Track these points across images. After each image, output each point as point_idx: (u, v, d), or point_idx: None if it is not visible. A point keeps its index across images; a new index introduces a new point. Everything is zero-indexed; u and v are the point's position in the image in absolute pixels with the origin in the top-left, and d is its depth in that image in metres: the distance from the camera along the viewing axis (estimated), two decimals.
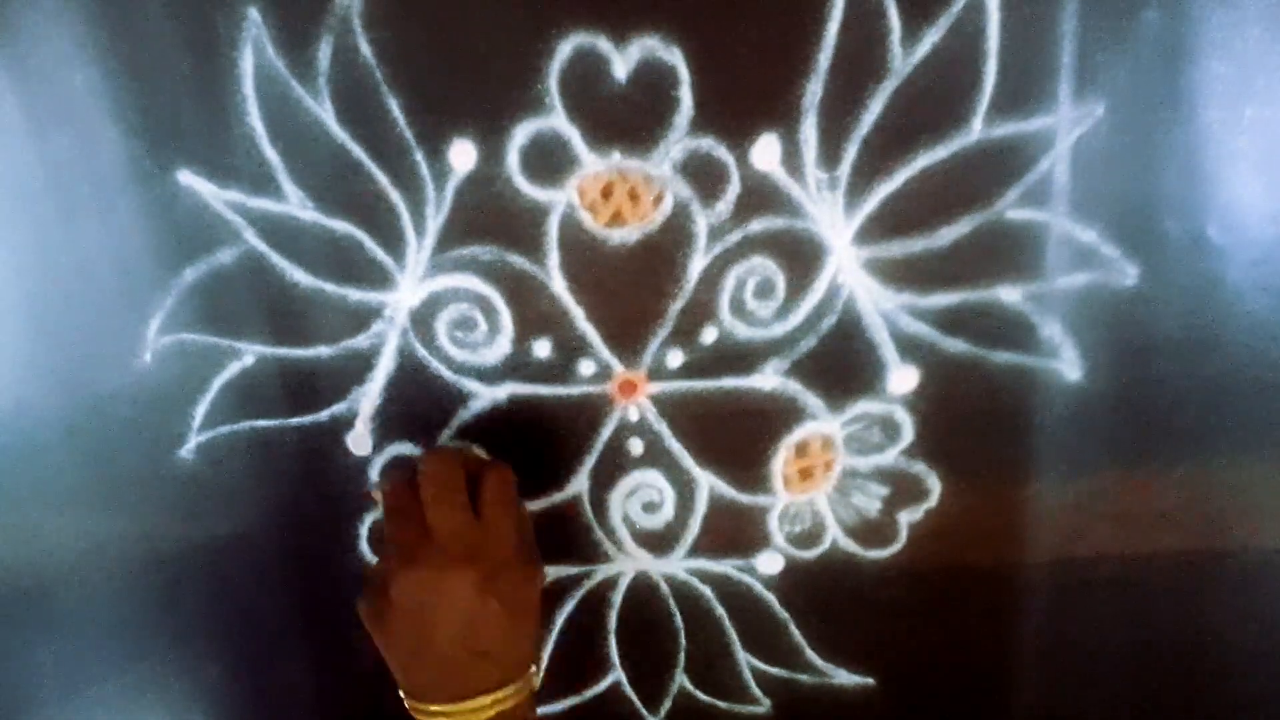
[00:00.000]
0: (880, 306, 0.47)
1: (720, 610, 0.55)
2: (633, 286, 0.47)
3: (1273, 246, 0.45)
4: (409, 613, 0.42)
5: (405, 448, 0.51)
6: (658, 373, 0.49)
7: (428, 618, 0.42)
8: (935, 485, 0.51)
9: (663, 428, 0.51)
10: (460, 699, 0.42)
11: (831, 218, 0.46)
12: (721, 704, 0.57)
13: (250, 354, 0.49)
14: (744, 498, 0.52)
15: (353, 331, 0.48)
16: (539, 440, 0.51)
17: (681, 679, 0.57)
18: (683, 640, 0.56)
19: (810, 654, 0.55)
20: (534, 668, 0.45)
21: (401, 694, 0.45)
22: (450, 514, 0.42)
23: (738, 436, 0.51)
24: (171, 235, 0.46)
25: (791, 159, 0.44)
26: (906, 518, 0.52)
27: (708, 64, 0.43)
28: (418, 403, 0.50)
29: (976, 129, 0.43)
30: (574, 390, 0.50)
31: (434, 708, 0.43)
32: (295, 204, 0.46)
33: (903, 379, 0.49)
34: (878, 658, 0.56)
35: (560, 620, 0.55)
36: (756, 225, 0.46)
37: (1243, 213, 0.45)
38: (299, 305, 0.48)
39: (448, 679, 0.42)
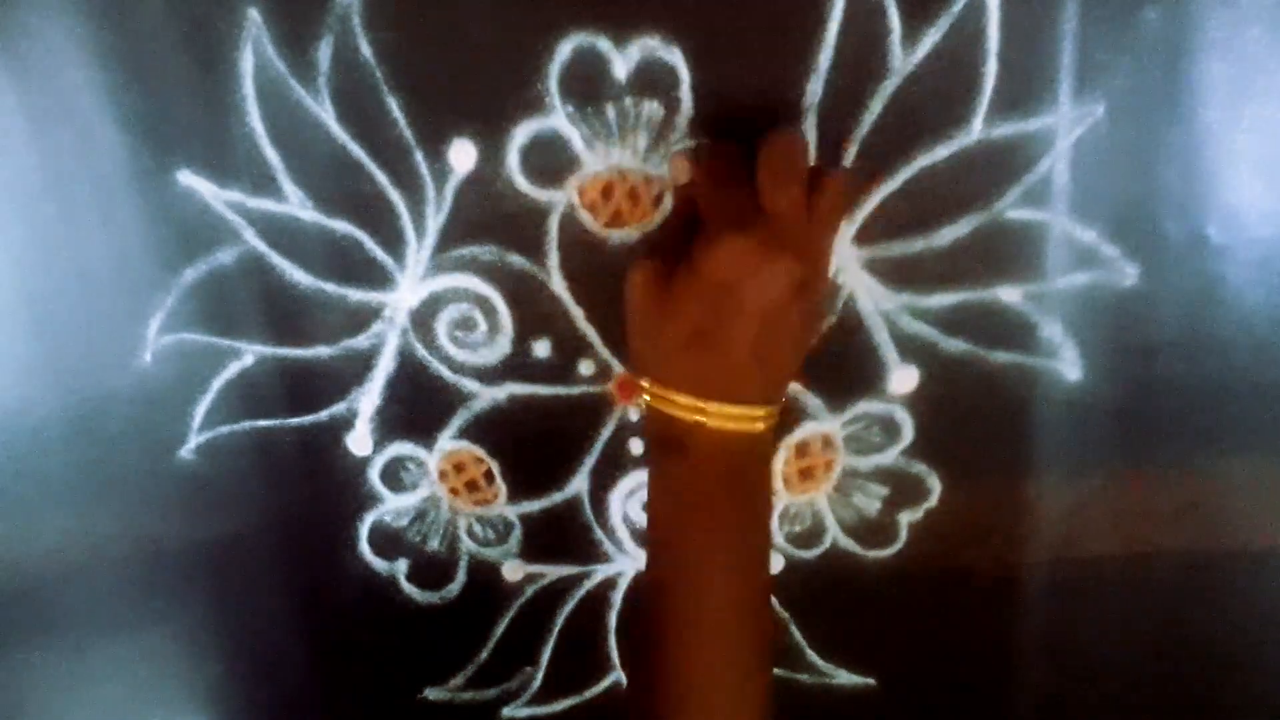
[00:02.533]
0: (880, 306, 0.47)
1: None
2: None
3: (1273, 246, 0.45)
4: (713, 288, 0.37)
5: (405, 448, 0.51)
6: None
7: (732, 299, 0.37)
8: (935, 485, 0.51)
9: None
10: (719, 399, 0.38)
11: None
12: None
13: (250, 354, 0.49)
14: None
15: (353, 331, 0.48)
16: (539, 440, 0.51)
17: None
18: None
19: (810, 654, 0.55)
20: (774, 412, 0.40)
21: (643, 380, 0.41)
22: (791, 202, 0.37)
23: None
24: (171, 235, 0.46)
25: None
26: (906, 518, 0.52)
27: (708, 64, 0.43)
28: (418, 403, 0.50)
29: (976, 129, 0.43)
30: (574, 390, 0.50)
31: (683, 399, 0.39)
32: (295, 204, 0.46)
33: (903, 379, 0.49)
34: (878, 658, 0.56)
35: (560, 620, 0.55)
36: None
37: (1243, 213, 0.45)
38: (299, 305, 0.48)
39: (713, 372, 0.38)
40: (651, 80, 0.43)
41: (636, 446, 0.51)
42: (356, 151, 0.45)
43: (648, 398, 0.41)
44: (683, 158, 0.43)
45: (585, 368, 0.49)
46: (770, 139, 0.39)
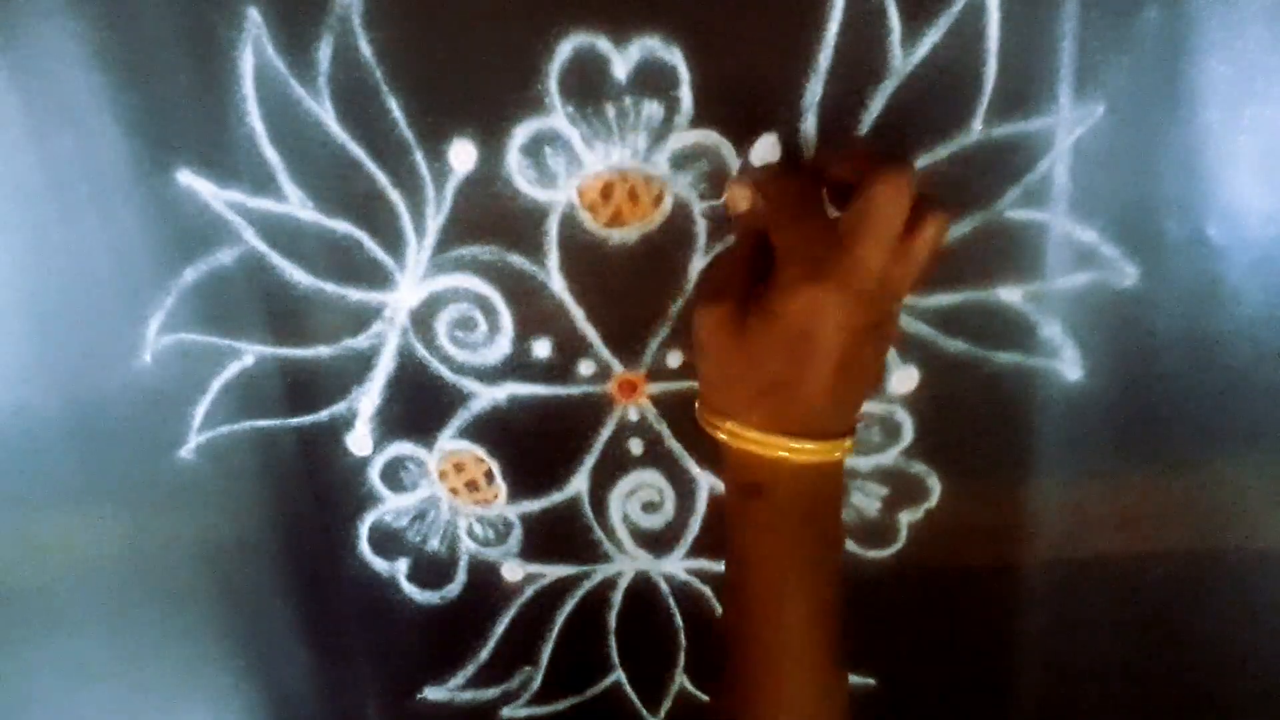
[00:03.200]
0: None
1: (720, 610, 0.55)
2: (633, 286, 0.47)
3: (1273, 246, 0.45)
4: (793, 335, 0.37)
5: (405, 448, 0.51)
6: (658, 373, 0.49)
7: (812, 345, 0.37)
8: (935, 485, 0.51)
9: (663, 428, 0.51)
10: (800, 436, 0.39)
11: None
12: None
13: (250, 354, 0.49)
14: None
15: (353, 331, 0.48)
16: (539, 440, 0.51)
17: (681, 679, 0.57)
18: (683, 640, 0.56)
19: None
20: (852, 440, 0.41)
21: (708, 412, 0.41)
22: (882, 249, 0.36)
23: None
24: (171, 235, 0.46)
25: (792, 159, 0.44)
26: (906, 518, 0.52)
27: (708, 64, 0.43)
28: (418, 403, 0.50)
29: (976, 129, 0.43)
30: (574, 390, 0.50)
31: (766, 438, 0.39)
32: (295, 204, 0.46)
33: (903, 379, 0.49)
34: (878, 658, 0.56)
35: (560, 620, 0.55)
36: None
37: (1243, 213, 0.45)
38: (299, 305, 0.48)
39: (793, 412, 0.38)
40: (651, 80, 0.43)
41: (636, 446, 0.51)
42: (356, 151, 0.45)
43: (724, 436, 0.40)
44: (743, 185, 0.41)
45: (585, 368, 0.49)
46: (880, 176, 0.36)
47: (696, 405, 0.43)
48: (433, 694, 0.57)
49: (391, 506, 0.53)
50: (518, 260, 0.47)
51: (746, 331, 0.38)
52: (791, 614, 0.41)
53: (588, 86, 0.43)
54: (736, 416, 0.40)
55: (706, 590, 0.54)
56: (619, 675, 0.57)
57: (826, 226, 0.37)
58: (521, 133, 0.44)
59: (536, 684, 0.57)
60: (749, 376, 0.39)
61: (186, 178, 0.45)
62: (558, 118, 0.44)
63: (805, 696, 0.41)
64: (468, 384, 0.50)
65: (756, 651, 0.42)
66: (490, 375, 0.49)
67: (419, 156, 0.45)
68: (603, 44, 0.42)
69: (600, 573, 0.54)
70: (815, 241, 0.37)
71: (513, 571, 0.54)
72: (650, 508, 0.53)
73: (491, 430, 0.51)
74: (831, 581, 0.42)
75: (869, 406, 0.49)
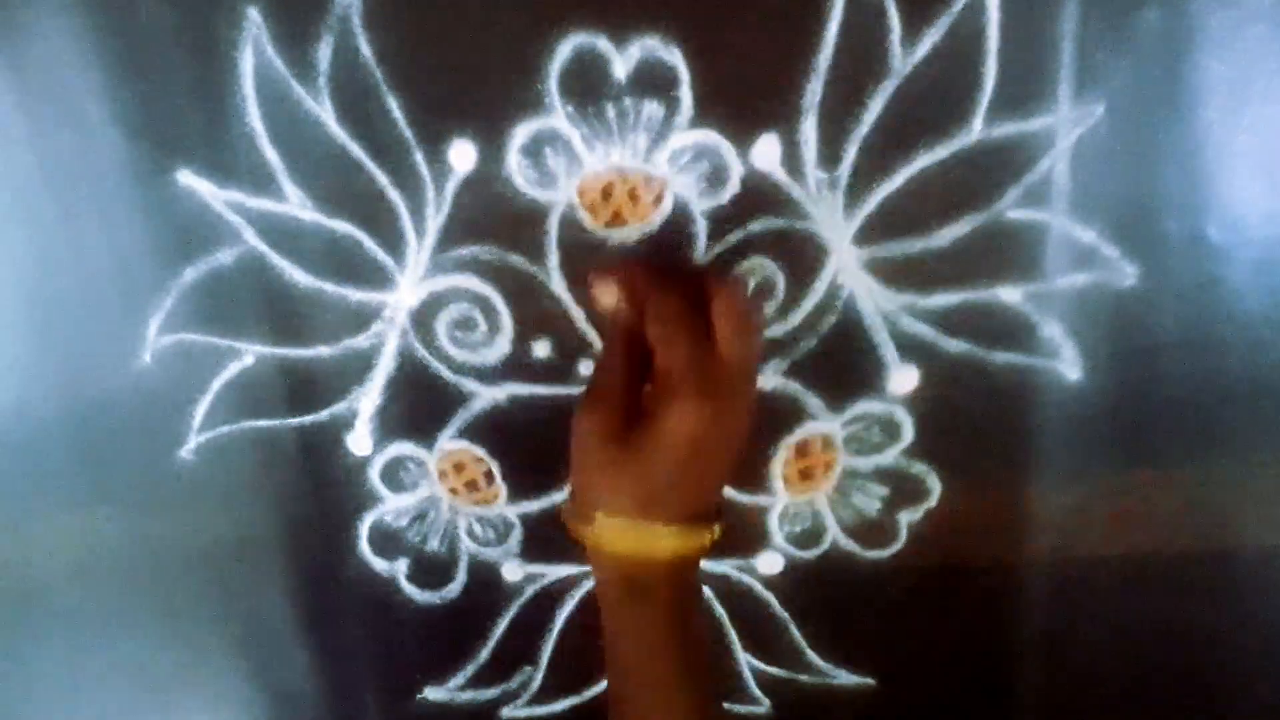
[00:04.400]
0: (881, 307, 0.47)
1: (720, 610, 0.55)
2: None
3: (1273, 246, 0.45)
4: (677, 440, 0.39)
5: (405, 447, 0.51)
6: None
7: (693, 449, 0.39)
8: (935, 485, 0.51)
9: None
10: (671, 521, 0.41)
11: (832, 218, 0.46)
12: (721, 704, 0.57)
13: (250, 354, 0.49)
14: (744, 497, 0.52)
15: (353, 331, 0.48)
16: (539, 440, 0.51)
17: None
18: None
19: (810, 654, 0.55)
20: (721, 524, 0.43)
21: (577, 512, 0.42)
22: (749, 347, 0.40)
23: None
24: (171, 235, 0.46)
25: (791, 159, 0.44)
26: (906, 518, 0.52)
27: (708, 64, 0.43)
28: (418, 403, 0.50)
29: (976, 129, 0.43)
30: (574, 390, 0.50)
31: (638, 526, 0.40)
32: (295, 204, 0.46)
33: (903, 379, 0.49)
34: (878, 658, 0.56)
35: (560, 620, 0.55)
36: (756, 225, 0.46)
37: (1243, 213, 0.45)
38: (299, 305, 0.48)
39: (663, 503, 0.40)
40: (651, 80, 0.43)
41: None
42: (356, 151, 0.45)
43: (594, 530, 0.41)
44: (605, 280, 0.43)
45: (585, 368, 0.49)
46: (721, 292, 0.40)
47: (560, 509, 0.44)
48: (433, 694, 0.57)
49: (391, 506, 0.53)
50: (518, 260, 0.47)
51: (633, 439, 0.39)
52: (673, 705, 0.43)
53: (588, 86, 0.43)
54: (605, 507, 0.41)
55: (706, 590, 0.54)
56: None
57: (703, 337, 0.39)
58: (521, 133, 0.44)
59: (536, 684, 0.57)
60: (628, 478, 0.40)
61: (186, 178, 0.45)
62: (558, 118, 0.44)
63: None
64: (468, 384, 0.50)
65: None
66: (490, 375, 0.49)
67: (419, 156, 0.45)
68: (603, 44, 0.42)
69: None
70: (696, 356, 0.39)
71: (513, 571, 0.54)
72: None
73: (491, 430, 0.51)
74: (704, 668, 0.44)
75: (869, 406, 0.49)
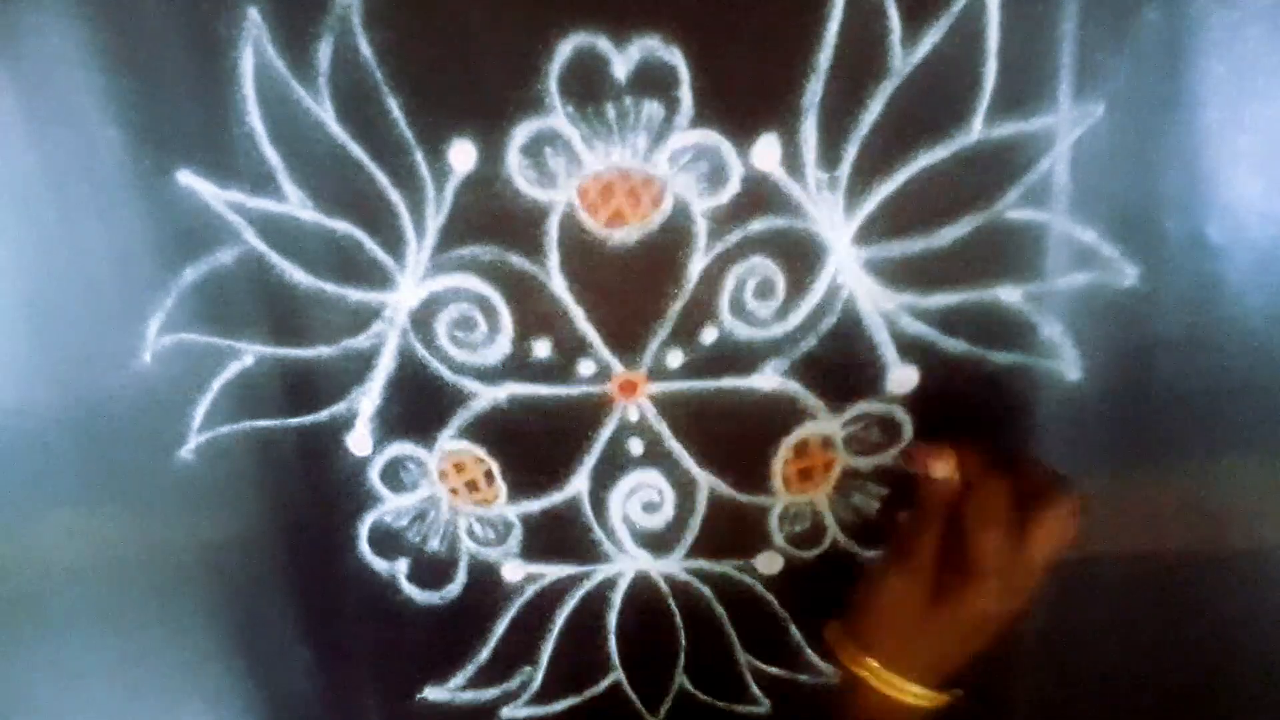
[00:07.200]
0: (880, 307, 0.47)
1: (720, 610, 0.55)
2: (633, 286, 0.47)
3: (1273, 246, 0.45)
4: (971, 626, 0.44)
5: (405, 447, 0.51)
6: (658, 373, 0.49)
7: (976, 635, 0.44)
8: None
9: (663, 428, 0.51)
10: (933, 687, 0.45)
11: (831, 218, 0.46)
12: (721, 704, 0.57)
13: (250, 354, 0.49)
14: (744, 498, 0.52)
15: (353, 331, 0.48)
16: (539, 440, 0.51)
17: (681, 679, 0.57)
18: (683, 640, 0.56)
19: (810, 654, 0.55)
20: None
21: (868, 659, 0.45)
22: (1056, 555, 0.43)
23: (738, 436, 0.50)
24: (171, 235, 0.46)
25: (791, 159, 0.44)
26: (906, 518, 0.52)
27: (708, 64, 0.43)
28: (418, 403, 0.50)
29: (976, 129, 0.43)
30: (574, 390, 0.50)
31: (911, 687, 0.45)
32: (295, 204, 0.46)
33: (903, 379, 0.49)
34: None
35: (560, 620, 0.55)
36: (756, 225, 0.46)
37: (1243, 213, 0.45)
38: (299, 305, 0.48)
39: (938, 670, 0.45)
40: (651, 80, 0.43)
41: (636, 446, 0.51)
42: (356, 151, 0.45)
43: (865, 673, 0.45)
44: (946, 455, 0.45)
45: (585, 368, 0.49)
46: (1051, 504, 0.42)
47: (835, 627, 0.47)
48: (433, 694, 0.57)
49: (391, 506, 0.53)
50: (518, 260, 0.47)
51: (932, 610, 0.44)
52: None
53: (588, 86, 0.43)
54: (881, 658, 0.45)
55: (706, 590, 0.54)
56: (619, 675, 0.57)
57: (1015, 533, 0.42)
58: (521, 133, 0.44)
59: (536, 684, 0.57)
60: (919, 643, 0.45)
61: (186, 178, 0.45)
62: (558, 118, 0.44)
63: None
64: (468, 384, 0.50)
65: None
66: (490, 375, 0.49)
67: (419, 156, 0.45)
68: (603, 44, 0.42)
69: (600, 573, 0.54)
70: (1014, 560, 0.42)
71: (513, 571, 0.54)
72: (650, 508, 0.53)
73: (491, 430, 0.51)
74: None
75: (869, 406, 0.49)
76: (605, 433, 0.51)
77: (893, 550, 0.46)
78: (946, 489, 0.45)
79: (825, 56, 0.42)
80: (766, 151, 0.44)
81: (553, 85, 0.43)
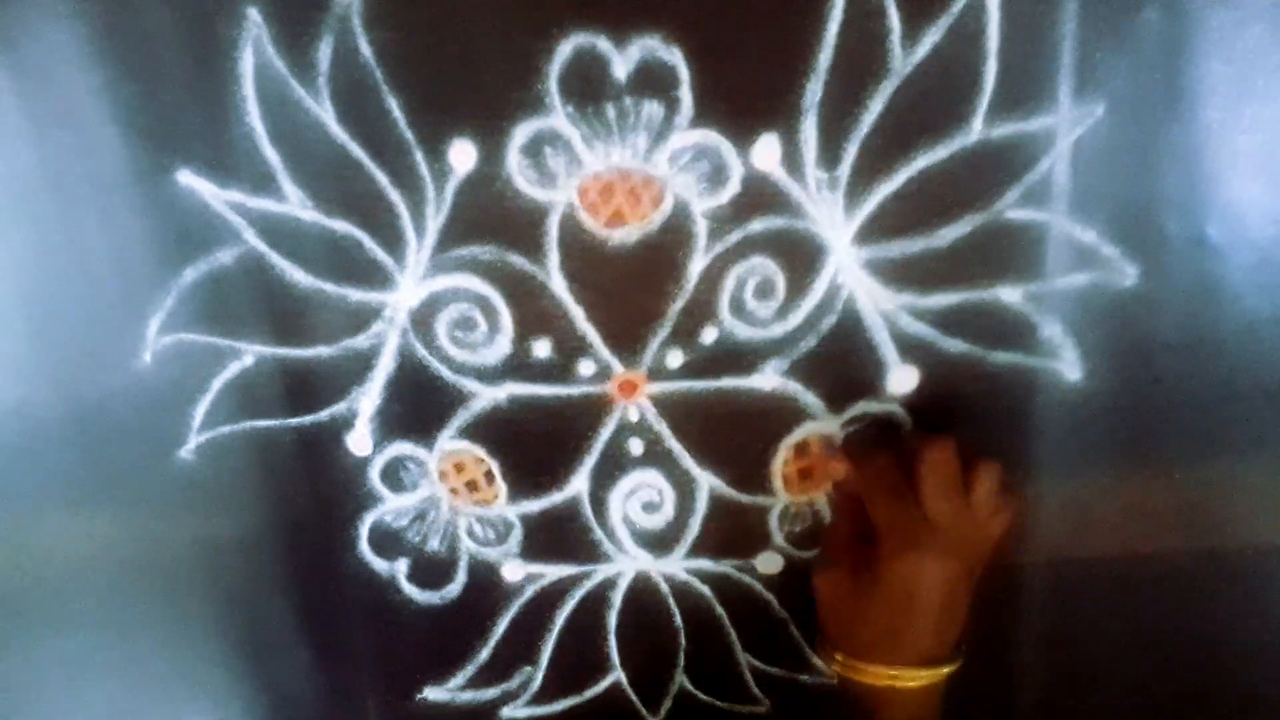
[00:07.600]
0: (880, 306, 0.47)
1: (720, 610, 0.55)
2: (633, 286, 0.47)
3: (1273, 246, 0.45)
4: (897, 593, 0.44)
5: (405, 447, 0.51)
6: (658, 373, 0.49)
7: (915, 600, 0.44)
8: None
9: (663, 428, 0.51)
10: (909, 665, 0.45)
11: (831, 218, 0.46)
12: (721, 704, 0.57)
13: (250, 354, 0.49)
14: (744, 498, 0.52)
15: (353, 331, 0.48)
16: (539, 440, 0.51)
17: (681, 679, 0.57)
18: (683, 640, 0.56)
19: (810, 654, 0.55)
20: (958, 662, 0.47)
21: (836, 654, 0.47)
22: (954, 509, 0.43)
23: (738, 436, 0.51)
24: (171, 235, 0.46)
25: (791, 159, 0.44)
26: None
27: (708, 64, 0.43)
28: (418, 403, 0.50)
29: (976, 129, 0.43)
30: (574, 390, 0.50)
31: (877, 669, 0.45)
32: (295, 204, 0.46)
33: (903, 379, 0.49)
34: None
35: (560, 620, 0.55)
36: (756, 225, 0.46)
37: (1243, 213, 0.45)
38: (299, 305, 0.48)
39: (903, 650, 0.45)
40: (651, 80, 0.43)
41: (636, 447, 0.51)
42: (356, 151, 0.45)
43: (838, 668, 0.47)
44: (839, 459, 0.48)
45: (585, 368, 0.49)
46: (925, 455, 0.43)
47: (818, 639, 0.49)
48: (433, 694, 0.57)
49: (391, 506, 0.53)
50: (518, 260, 0.47)
51: (858, 592, 0.45)
52: None
53: (588, 86, 0.43)
54: (852, 652, 0.46)
55: (706, 590, 0.54)
56: (619, 675, 0.57)
57: (913, 501, 0.44)
58: (521, 133, 0.44)
59: (536, 684, 0.57)
60: (861, 629, 0.45)
61: (186, 178, 0.45)
62: (558, 118, 0.44)
63: None
64: (468, 384, 0.50)
65: None
66: (490, 375, 0.49)
67: (419, 156, 0.45)
68: (603, 44, 0.42)
69: (600, 573, 0.54)
70: (905, 515, 0.44)
71: (513, 571, 0.54)
72: (650, 508, 0.53)
73: (491, 430, 0.51)
74: None
75: (869, 406, 0.49)
76: (605, 433, 0.51)
77: (817, 555, 0.49)
78: (846, 486, 0.48)
79: (825, 56, 0.42)
80: (766, 151, 0.44)
81: (553, 85, 0.43)
